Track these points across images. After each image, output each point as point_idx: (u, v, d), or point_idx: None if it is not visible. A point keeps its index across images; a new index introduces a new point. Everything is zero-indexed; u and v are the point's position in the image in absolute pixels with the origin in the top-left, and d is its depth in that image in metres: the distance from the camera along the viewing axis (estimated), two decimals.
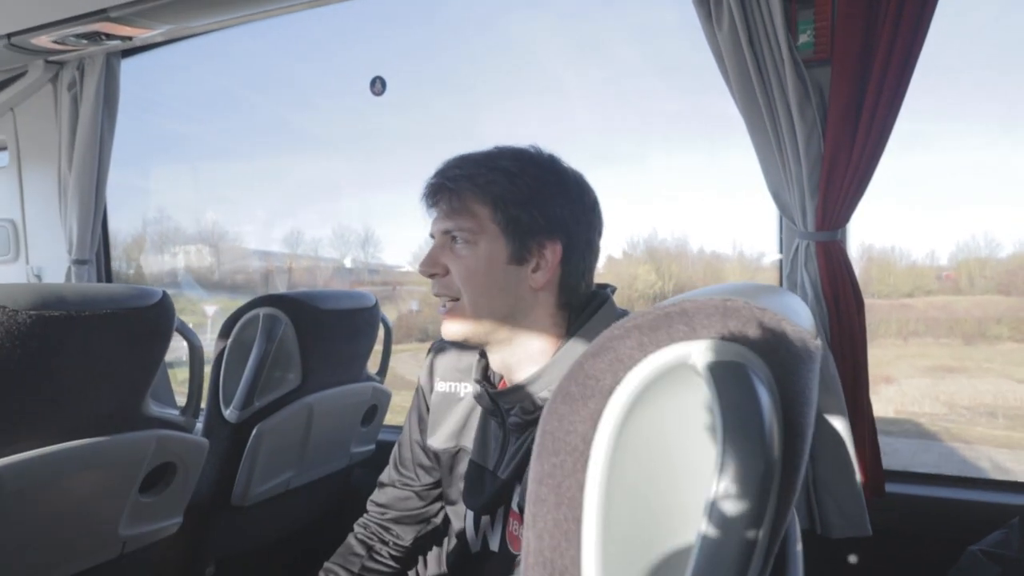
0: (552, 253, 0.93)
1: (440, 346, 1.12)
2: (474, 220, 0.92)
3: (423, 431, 1.12)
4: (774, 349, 0.40)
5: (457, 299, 0.95)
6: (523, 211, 0.92)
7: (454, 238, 0.94)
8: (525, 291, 0.94)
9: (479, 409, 1.02)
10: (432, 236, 0.99)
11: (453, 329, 0.96)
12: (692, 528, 0.37)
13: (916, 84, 1.32)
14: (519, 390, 0.93)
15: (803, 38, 1.41)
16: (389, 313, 1.78)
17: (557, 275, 0.94)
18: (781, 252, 1.58)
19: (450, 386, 1.08)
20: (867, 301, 1.42)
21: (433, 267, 0.95)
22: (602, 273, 1.02)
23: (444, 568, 1.11)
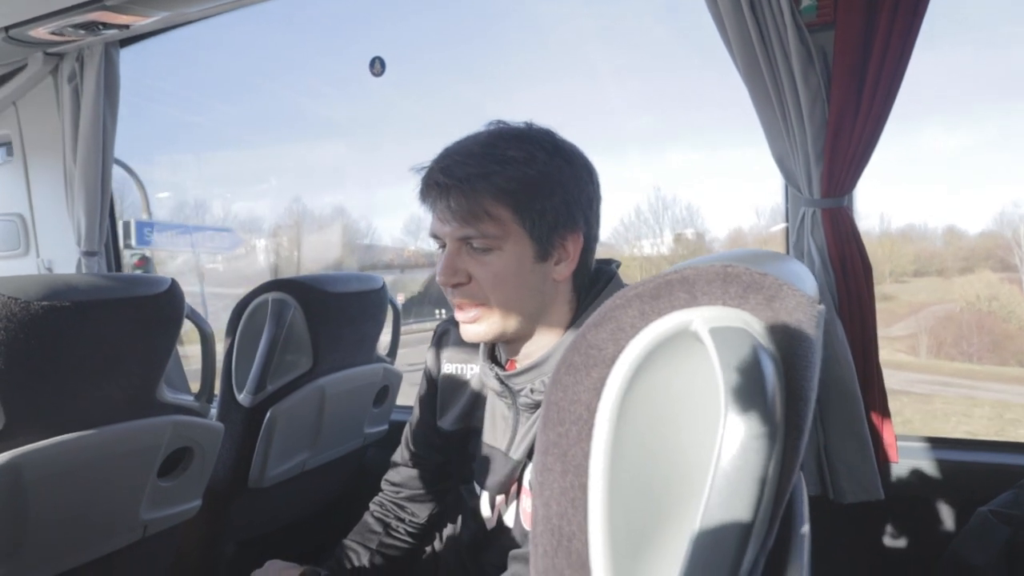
0: (573, 245, 0.90)
1: (445, 328, 1.12)
2: (497, 224, 0.86)
3: (432, 412, 1.13)
4: (775, 314, 0.40)
5: (482, 304, 0.90)
6: (545, 207, 0.86)
7: (473, 244, 0.88)
8: (549, 286, 0.91)
9: (487, 389, 1.02)
10: (436, 237, 0.92)
11: (479, 331, 0.91)
12: (696, 493, 0.38)
13: (920, 46, 1.30)
14: (529, 371, 0.93)
15: (806, 2, 1.39)
16: None
17: (576, 264, 0.92)
18: (787, 220, 1.57)
19: (456, 367, 1.08)
20: None
21: (456, 276, 0.89)
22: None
23: (460, 544, 1.13)
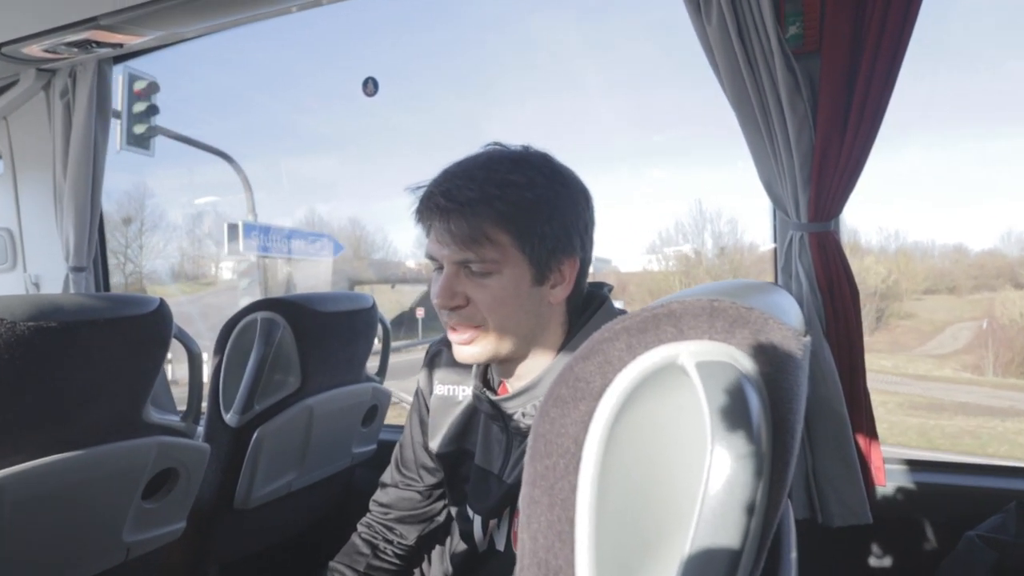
0: (569, 269, 0.91)
1: (437, 349, 1.12)
2: (497, 249, 0.86)
3: (424, 433, 1.12)
4: (761, 348, 0.40)
5: (479, 326, 0.90)
6: (545, 232, 0.87)
7: (472, 268, 0.88)
8: (544, 308, 0.92)
9: (479, 411, 1.02)
10: (432, 258, 0.92)
11: (474, 353, 0.91)
12: (684, 526, 0.38)
13: (905, 73, 1.33)
14: (521, 395, 0.93)
15: (792, 30, 1.42)
16: None
17: (571, 287, 0.93)
18: (775, 242, 1.58)
19: (449, 389, 1.08)
20: None
21: (454, 299, 0.89)
22: None
23: (450, 566, 1.12)
